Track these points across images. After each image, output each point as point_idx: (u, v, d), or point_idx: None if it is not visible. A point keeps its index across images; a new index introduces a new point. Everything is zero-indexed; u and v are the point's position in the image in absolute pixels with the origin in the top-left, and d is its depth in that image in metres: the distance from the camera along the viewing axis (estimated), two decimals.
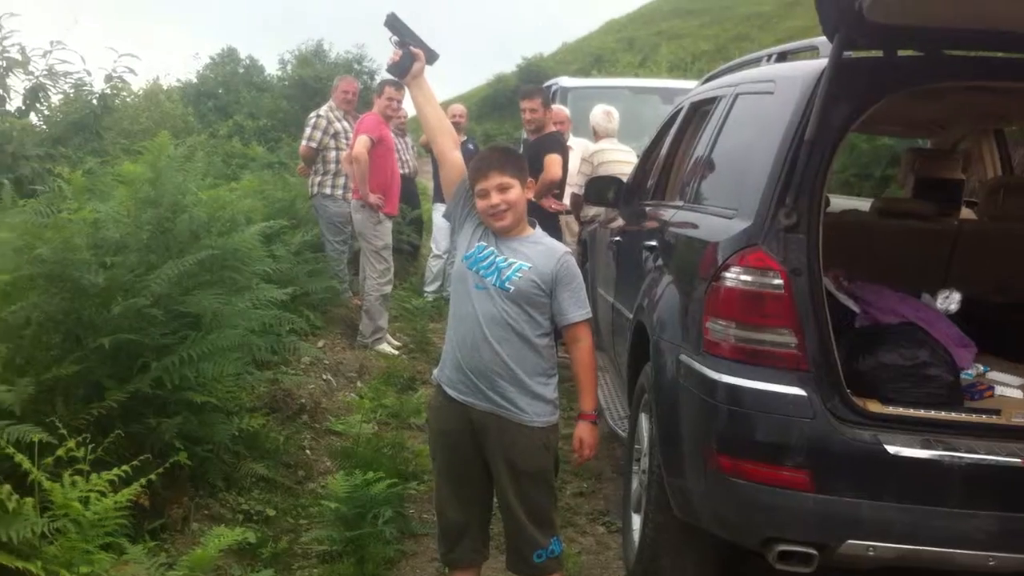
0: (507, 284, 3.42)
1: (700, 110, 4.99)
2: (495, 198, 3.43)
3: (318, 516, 4.60)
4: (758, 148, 3.67)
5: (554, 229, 7.51)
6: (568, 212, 7.63)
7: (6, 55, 9.05)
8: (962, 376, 3.78)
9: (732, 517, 3.42)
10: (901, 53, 3.56)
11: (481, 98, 41.40)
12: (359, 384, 7.05)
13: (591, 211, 7.46)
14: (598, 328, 6.50)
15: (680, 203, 4.55)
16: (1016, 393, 3.74)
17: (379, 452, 5.25)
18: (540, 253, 3.49)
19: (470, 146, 10.27)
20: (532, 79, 25.21)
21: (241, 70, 31.29)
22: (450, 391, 3.57)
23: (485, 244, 3.53)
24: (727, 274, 3.38)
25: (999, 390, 3.75)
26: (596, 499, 5.32)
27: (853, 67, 3.48)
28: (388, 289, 8.20)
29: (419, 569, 4.41)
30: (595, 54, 41.42)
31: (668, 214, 4.62)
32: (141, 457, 3.66)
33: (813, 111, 3.30)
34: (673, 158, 5.25)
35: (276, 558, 4.31)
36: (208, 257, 4.80)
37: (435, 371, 3.75)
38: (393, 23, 3.66)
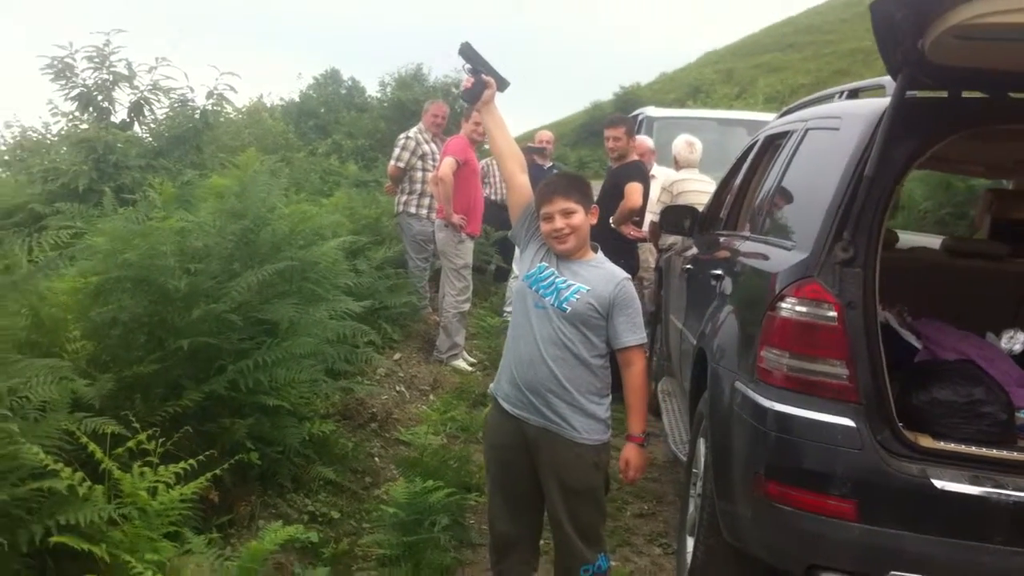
0: (565, 305, 3.54)
1: (773, 143, 5.04)
2: (559, 222, 3.56)
3: (379, 521, 4.73)
4: (821, 182, 3.73)
5: (632, 256, 7.62)
6: (647, 240, 7.72)
7: (112, 69, 9.51)
8: (1020, 415, 3.78)
9: (777, 543, 3.45)
10: (966, 95, 3.59)
11: (578, 125, 41.73)
12: (431, 397, 7.21)
13: (669, 239, 7.53)
14: (669, 354, 6.57)
15: (748, 233, 4.62)
16: None
17: (444, 463, 5.37)
18: (599, 277, 3.60)
19: (555, 172, 10.43)
20: (627, 108, 25.34)
21: (343, 91, 32.05)
22: (505, 405, 3.70)
23: (546, 264, 3.66)
24: (783, 304, 3.43)
25: None
26: (656, 521, 5.37)
27: (916, 106, 3.53)
28: (466, 307, 8.37)
29: None
30: (693, 85, 41.45)
31: (735, 244, 4.69)
32: (207, 452, 3.83)
33: (874, 148, 3.35)
34: (746, 189, 5.31)
35: (336, 559, 4.46)
36: (287, 268, 5.02)
37: (492, 385, 3.88)
38: (467, 52, 3.83)
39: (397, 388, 7.06)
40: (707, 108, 22.22)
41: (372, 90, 29.13)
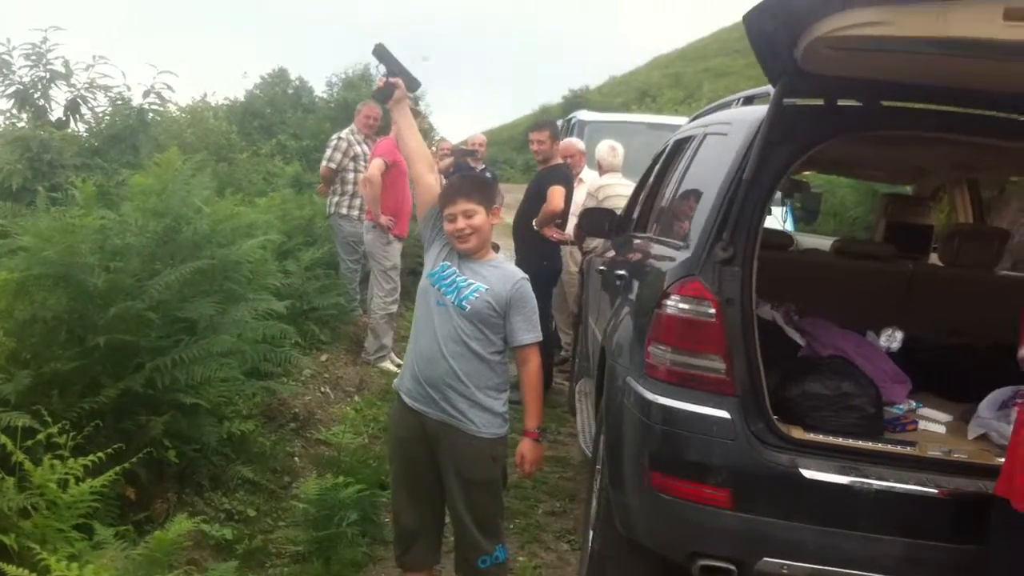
0: (464, 303, 3.67)
1: (680, 148, 5.21)
2: (461, 222, 3.69)
3: (294, 518, 4.83)
4: (708, 185, 3.90)
5: (555, 258, 7.77)
6: (571, 243, 7.88)
7: (49, 67, 9.49)
8: (894, 410, 3.98)
9: (661, 532, 3.61)
10: (842, 102, 3.78)
11: (527, 127, 41.89)
12: (356, 399, 7.30)
13: (592, 242, 7.69)
14: (588, 355, 6.72)
15: (650, 235, 4.79)
16: (939, 428, 3.91)
17: (363, 463, 5.48)
18: (498, 277, 3.73)
19: (488, 175, 10.57)
20: (575, 111, 25.58)
21: (290, 91, 31.85)
22: (407, 400, 3.82)
23: (449, 263, 3.79)
24: (668, 302, 3.58)
25: (923, 424, 3.92)
26: (567, 519, 5.52)
27: (793, 113, 3.70)
28: (394, 308, 8.47)
29: (384, 573, 4.63)
30: (641, 88, 41.74)
31: (639, 245, 4.86)
32: (116, 446, 3.91)
33: (752, 152, 3.52)
34: (655, 192, 5.48)
35: (250, 555, 4.56)
36: (208, 266, 5.10)
37: (396, 380, 4.00)
38: (380, 53, 3.97)
39: (322, 389, 7.15)
40: (653, 112, 22.41)
41: (320, 90, 29.00)
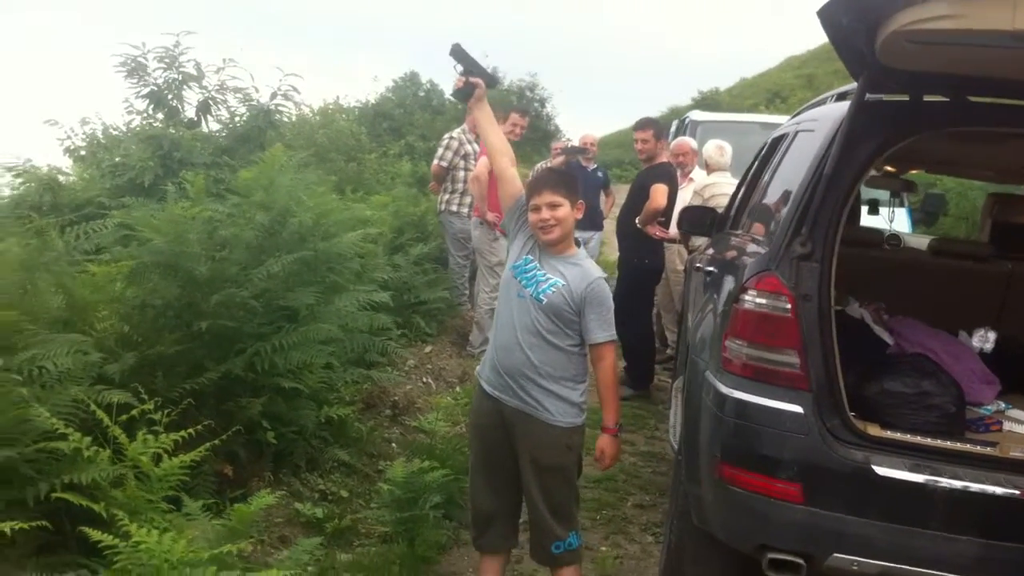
0: (542, 296, 3.75)
1: (776, 145, 5.19)
2: (545, 213, 3.78)
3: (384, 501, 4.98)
4: (793, 182, 3.90)
5: (657, 255, 7.79)
6: (675, 240, 7.87)
7: (182, 70, 9.92)
8: (980, 410, 3.90)
9: (732, 524, 3.62)
10: (929, 98, 3.72)
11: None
12: (458, 389, 7.46)
13: (697, 240, 7.67)
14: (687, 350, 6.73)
15: (741, 232, 4.78)
16: None
17: (457, 450, 5.61)
18: (575, 274, 3.80)
19: (599, 174, 10.60)
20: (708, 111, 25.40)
21: (421, 93, 32.42)
22: (486, 387, 3.93)
23: (531, 257, 3.88)
24: (745, 296, 3.60)
25: (1009, 425, 3.83)
26: (655, 512, 5.54)
27: (876, 109, 3.67)
28: None
29: (467, 556, 4.74)
30: (773, 90, 41.07)
31: (732, 242, 4.86)
32: (206, 423, 4.10)
33: (833, 149, 3.51)
34: (751, 190, 5.46)
35: (339, 534, 4.72)
36: (310, 258, 5.30)
37: (478, 368, 4.11)
38: (458, 53, 4.05)
39: (424, 379, 7.33)
40: (783, 114, 22.06)
41: (449, 93, 29.40)
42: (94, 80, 11.06)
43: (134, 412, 3.82)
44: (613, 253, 8.51)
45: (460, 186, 9.08)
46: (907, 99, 3.72)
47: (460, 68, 4.07)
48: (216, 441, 4.01)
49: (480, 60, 4.10)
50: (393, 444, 6.03)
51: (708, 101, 39.79)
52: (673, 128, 14.01)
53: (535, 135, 30.85)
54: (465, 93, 4.07)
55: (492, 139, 4.10)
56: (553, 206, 3.78)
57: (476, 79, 4.03)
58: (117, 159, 9.72)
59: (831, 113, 4.01)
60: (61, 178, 9.71)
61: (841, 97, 4.53)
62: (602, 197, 10.60)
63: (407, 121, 27.12)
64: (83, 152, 11.25)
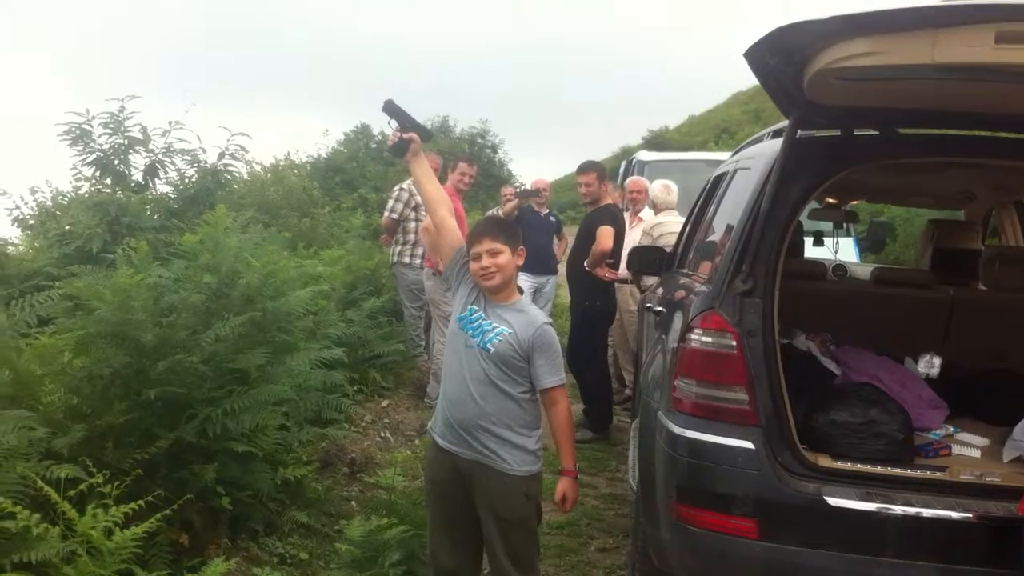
0: (489, 346, 3.75)
1: (717, 183, 5.25)
2: (486, 260, 3.78)
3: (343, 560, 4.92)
4: (733, 219, 3.94)
5: (608, 296, 7.83)
6: (625, 281, 7.92)
7: (127, 134, 9.88)
8: (929, 435, 3.95)
9: (691, 564, 3.63)
10: (860, 132, 3.80)
11: (609, 169, 42.00)
12: (416, 442, 7.40)
13: (648, 280, 7.72)
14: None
15: (685, 271, 4.82)
16: (975, 453, 3.87)
17: (416, 504, 5.56)
18: (521, 321, 3.80)
19: (552, 218, 10.66)
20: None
21: (373, 145, 32.43)
22: (440, 442, 3.91)
23: (476, 307, 3.88)
24: (691, 335, 3.64)
25: (958, 449, 3.88)
26: (618, 555, 5.51)
27: (808, 145, 3.74)
28: None
29: None
30: (721, 126, 41.59)
31: (676, 281, 4.90)
32: (156, 493, 4.05)
33: (768, 186, 3.56)
34: (695, 228, 5.52)
35: None
36: (259, 318, 5.26)
37: (429, 423, 4.09)
38: (391, 108, 4.06)
39: (382, 434, 7.28)
40: (731, 150, 22.33)
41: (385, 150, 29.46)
42: (44, 147, 10.94)
43: (82, 487, 3.76)
44: (568, 296, 8.55)
45: (412, 237, 9.09)
46: (838, 134, 3.79)
47: (394, 124, 4.09)
48: (168, 511, 3.95)
49: (414, 114, 4.12)
50: (352, 502, 5.97)
51: (658, 140, 40.29)
52: (621, 169, 14.16)
53: (488, 181, 30.95)
54: (400, 148, 4.06)
55: (429, 191, 4.10)
56: (493, 253, 3.79)
57: (410, 134, 4.04)
58: (65, 227, 9.64)
59: (766, 150, 4.08)
60: (10, 249, 9.61)
61: (777, 134, 4.59)
62: (555, 241, 10.66)
63: (359, 173, 27.14)
64: (32, 221, 11.14)
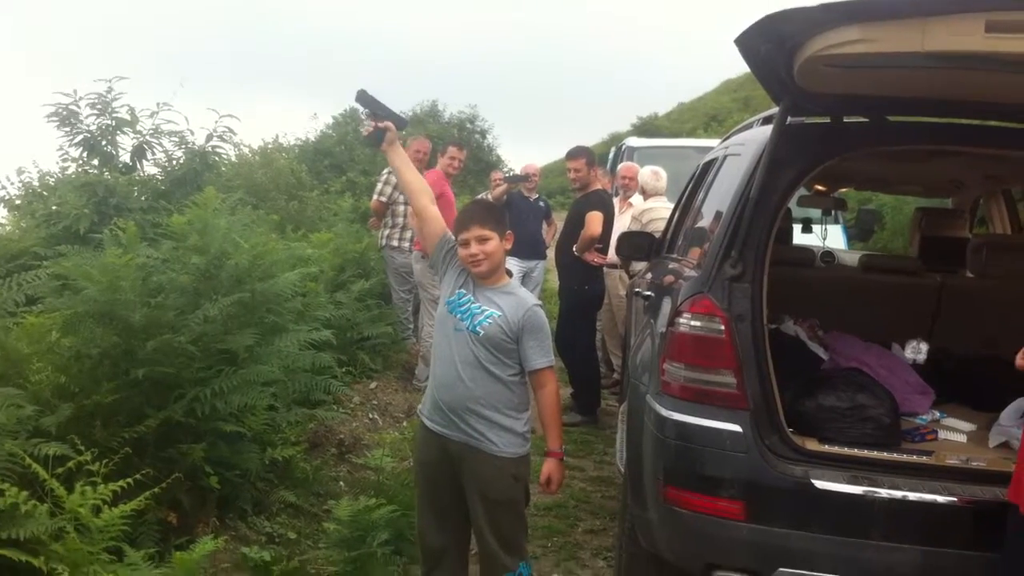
0: (478, 328, 3.76)
1: (707, 170, 5.27)
2: (474, 247, 3.79)
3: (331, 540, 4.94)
4: (723, 206, 3.96)
5: (597, 281, 7.86)
6: (614, 266, 7.95)
7: (115, 115, 9.84)
8: (916, 420, 3.99)
9: (679, 545, 3.67)
10: (849, 119, 3.82)
11: (599, 155, 41.99)
12: (404, 424, 7.43)
13: (638, 265, 7.75)
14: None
15: (675, 256, 4.85)
16: (960, 438, 3.91)
17: (405, 485, 5.58)
18: (511, 303, 3.81)
19: (541, 203, 10.68)
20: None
21: (361, 129, 32.19)
22: (429, 424, 3.92)
23: (465, 291, 3.89)
24: (680, 320, 3.66)
25: (944, 434, 3.93)
26: (606, 536, 5.55)
27: (798, 132, 3.76)
28: None
29: None
30: (710, 113, 41.59)
31: (666, 266, 4.92)
32: (144, 471, 4.06)
33: (758, 172, 3.58)
34: (684, 214, 5.54)
35: (287, 575, 4.67)
36: (247, 299, 5.27)
37: (419, 406, 4.11)
38: (363, 98, 4.03)
39: (370, 415, 7.30)
40: (720, 137, 22.38)
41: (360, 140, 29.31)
42: (31, 128, 10.90)
43: (71, 464, 3.77)
44: (556, 281, 8.60)
45: (401, 220, 9.10)
46: (828, 121, 3.81)
47: (367, 113, 4.07)
48: (157, 489, 3.97)
49: (388, 103, 4.10)
50: (340, 482, 5.99)
51: (647, 127, 40.23)
52: (611, 155, 14.17)
53: (477, 167, 30.89)
54: (376, 138, 4.03)
55: (409, 179, 4.09)
56: (482, 240, 3.79)
57: (385, 123, 4.02)
58: (52, 207, 9.61)
59: (756, 137, 4.10)
60: None
61: (767, 121, 4.61)
62: (544, 226, 10.68)
63: (348, 157, 26.96)
64: (18, 202, 11.09)
